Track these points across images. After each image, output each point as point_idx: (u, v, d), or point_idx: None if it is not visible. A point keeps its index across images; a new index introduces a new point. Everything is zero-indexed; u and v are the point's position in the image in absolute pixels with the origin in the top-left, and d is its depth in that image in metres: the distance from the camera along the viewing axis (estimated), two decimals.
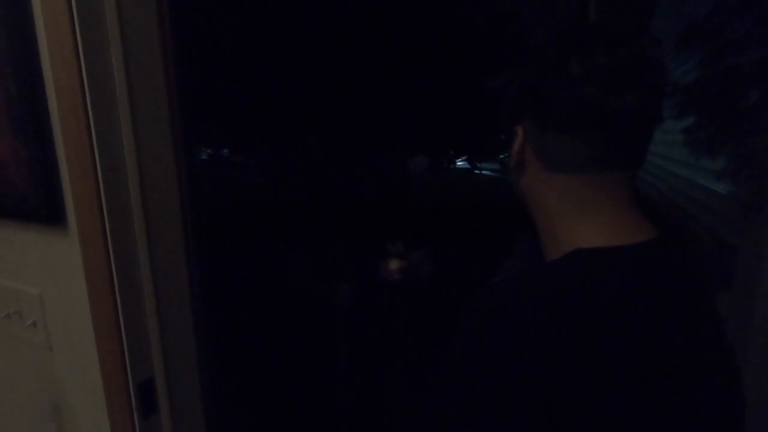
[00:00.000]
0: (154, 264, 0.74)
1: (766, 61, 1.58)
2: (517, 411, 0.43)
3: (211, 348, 0.85)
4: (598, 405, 0.42)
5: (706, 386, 0.47)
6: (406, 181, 1.61)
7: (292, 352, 1.57)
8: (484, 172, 9.31)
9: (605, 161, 0.50)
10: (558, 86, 0.49)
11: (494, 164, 9.88)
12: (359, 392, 1.63)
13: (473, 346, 0.47)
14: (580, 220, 0.52)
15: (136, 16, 0.68)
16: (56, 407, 0.89)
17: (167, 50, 0.73)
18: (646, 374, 0.43)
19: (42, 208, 0.74)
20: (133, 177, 0.70)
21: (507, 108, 0.58)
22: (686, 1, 1.95)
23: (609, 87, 0.47)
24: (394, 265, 1.44)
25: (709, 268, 1.54)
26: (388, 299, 1.54)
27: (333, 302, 1.51)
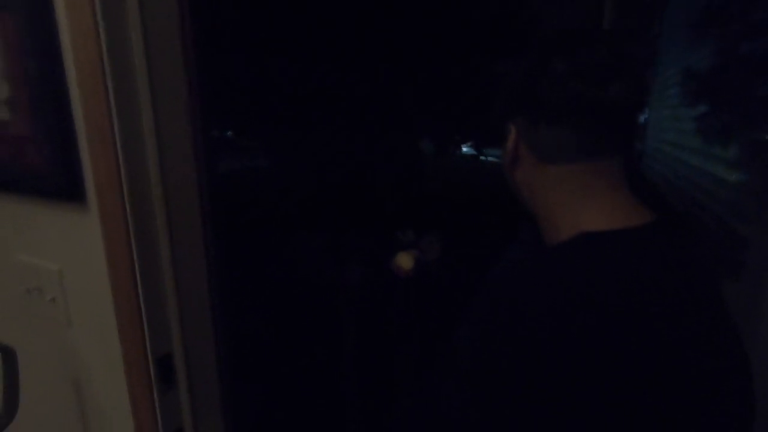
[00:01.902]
0: (173, 240, 0.75)
1: None
2: (529, 398, 0.44)
3: (227, 325, 0.87)
4: (616, 385, 0.43)
5: (714, 365, 0.48)
6: (418, 166, 1.61)
7: (306, 331, 1.59)
8: (489, 158, 9.24)
9: (595, 149, 0.54)
10: (546, 83, 0.53)
11: (499, 150, 9.77)
12: (368, 374, 1.66)
13: (485, 334, 0.48)
14: (578, 206, 0.54)
15: None
16: (76, 382, 0.91)
17: (186, 28, 0.73)
18: (656, 353, 0.45)
19: (62, 185, 0.75)
20: (152, 153, 0.71)
21: (499, 107, 0.62)
22: None
23: (592, 81, 0.51)
24: (406, 263, 1.43)
25: (718, 258, 1.53)
26: (397, 288, 1.55)
27: (343, 284, 1.53)
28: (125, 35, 0.66)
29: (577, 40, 0.53)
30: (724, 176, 2.36)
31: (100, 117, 0.66)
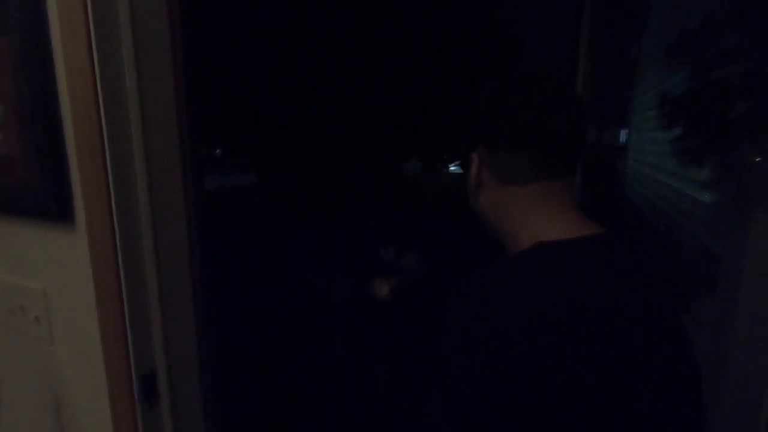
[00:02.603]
0: (159, 260, 0.76)
1: (752, 74, 1.64)
2: (504, 396, 0.49)
3: (212, 343, 0.88)
4: (583, 377, 0.49)
5: (662, 360, 0.53)
6: (401, 185, 1.64)
7: (292, 348, 1.59)
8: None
9: (546, 171, 0.62)
10: (502, 115, 0.62)
11: None
12: (354, 385, 1.66)
13: (458, 335, 0.54)
14: (535, 220, 0.62)
15: (147, 11, 0.71)
16: (57, 401, 0.91)
17: (176, 44, 0.76)
18: (611, 343, 0.50)
19: (51, 205, 0.77)
20: (142, 175, 0.73)
21: (464, 140, 0.70)
22: (676, 15, 2.00)
23: (540, 111, 0.59)
24: (381, 290, 1.47)
25: (694, 276, 1.59)
26: (380, 306, 1.57)
27: (329, 296, 1.54)
28: (118, 57, 0.69)
29: (528, 80, 0.62)
30: (698, 196, 2.44)
31: (91, 138, 0.68)
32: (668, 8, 2.05)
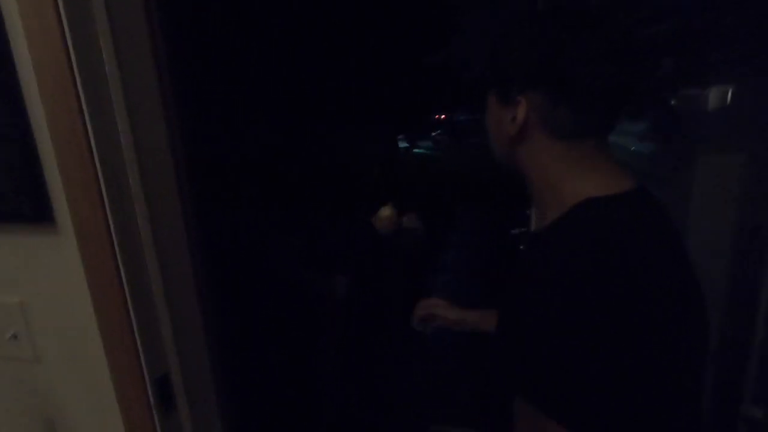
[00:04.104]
0: (161, 258, 0.70)
1: (677, 30, 1.77)
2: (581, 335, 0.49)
3: (222, 340, 0.83)
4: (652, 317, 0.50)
5: (689, 300, 0.55)
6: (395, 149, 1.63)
7: (303, 343, 1.55)
8: (420, 150, 9.58)
9: (602, 127, 0.59)
10: (572, 61, 0.54)
11: (428, 142, 10.17)
12: (366, 383, 1.67)
13: (553, 298, 0.51)
14: (583, 176, 0.59)
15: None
16: (49, 423, 0.83)
17: (155, 29, 0.68)
18: (663, 288, 0.51)
19: (23, 205, 0.67)
20: (132, 164, 0.66)
21: (504, 78, 0.61)
22: None
23: (614, 61, 0.54)
24: (385, 211, 1.45)
25: None
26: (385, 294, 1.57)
27: (331, 294, 1.52)
28: (92, 34, 0.60)
29: (591, 21, 0.55)
30: (634, 147, 2.61)
31: (71, 126, 0.60)
32: None
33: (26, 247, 0.71)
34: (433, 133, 10.31)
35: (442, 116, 10.22)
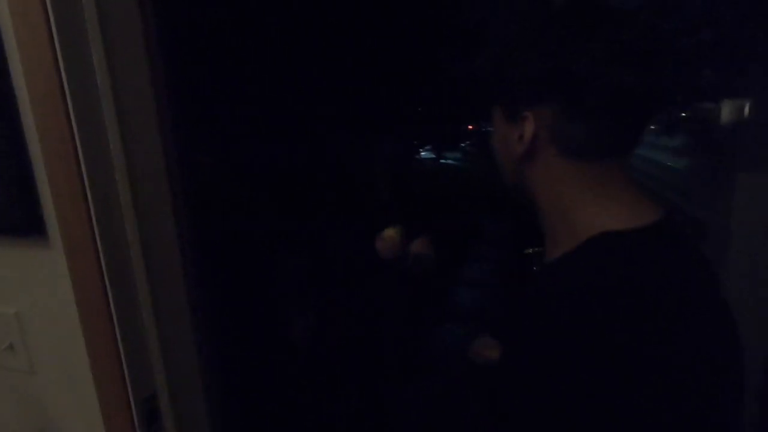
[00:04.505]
0: (150, 271, 0.68)
1: (717, 41, 1.67)
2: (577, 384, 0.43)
3: (214, 357, 0.81)
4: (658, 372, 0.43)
5: (719, 352, 0.48)
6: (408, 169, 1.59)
7: (297, 362, 1.53)
8: (448, 161, 9.52)
9: (622, 146, 0.51)
10: (585, 68, 0.46)
11: (457, 153, 10.08)
12: (359, 405, 1.63)
13: (542, 326, 0.46)
14: (597, 204, 0.51)
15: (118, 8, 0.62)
16: None
17: (151, 38, 0.67)
18: (680, 340, 0.44)
19: (16, 219, 0.67)
20: (122, 177, 0.64)
21: (512, 92, 0.54)
22: None
23: (637, 70, 0.46)
24: (388, 232, 1.34)
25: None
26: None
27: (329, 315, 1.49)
28: (83, 40, 0.60)
29: (611, 19, 0.48)
30: (670, 163, 2.47)
31: (61, 140, 0.60)
32: None
33: (21, 258, 0.71)
34: (463, 144, 10.22)
35: (470, 126, 10.14)
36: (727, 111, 1.60)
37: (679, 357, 0.44)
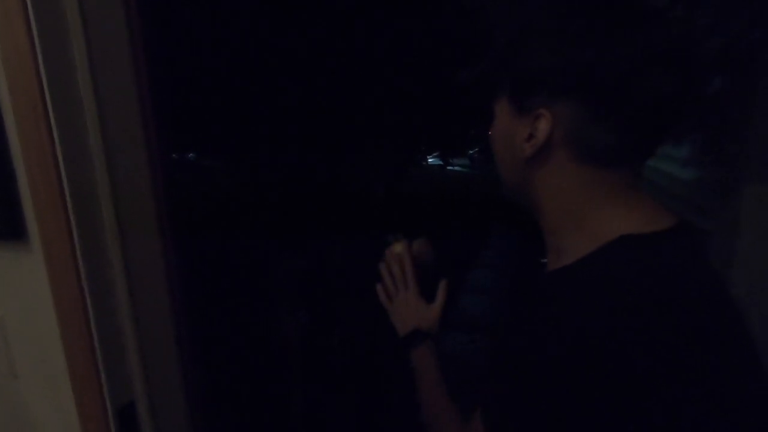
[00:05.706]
0: (130, 275, 0.68)
1: (726, 49, 1.64)
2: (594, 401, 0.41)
3: (196, 364, 0.80)
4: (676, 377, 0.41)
5: (734, 353, 0.46)
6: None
7: (280, 370, 1.52)
8: (455, 168, 9.48)
9: (644, 152, 0.49)
10: (616, 67, 0.42)
11: (465, 160, 10.04)
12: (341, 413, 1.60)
13: (553, 334, 0.44)
14: (616, 210, 0.48)
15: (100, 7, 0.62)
16: None
17: (136, 42, 0.67)
18: (699, 342, 0.43)
19: None
20: (103, 182, 0.64)
21: (527, 86, 0.48)
22: None
23: (666, 69, 0.43)
24: (397, 248, 1.32)
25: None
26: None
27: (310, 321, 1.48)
28: (62, 34, 0.59)
29: (647, 14, 0.44)
30: (678, 174, 2.43)
31: (41, 145, 0.59)
32: None
33: (2, 263, 0.71)
34: (471, 151, 10.17)
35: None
36: (732, 121, 1.57)
37: (707, 357, 0.42)
